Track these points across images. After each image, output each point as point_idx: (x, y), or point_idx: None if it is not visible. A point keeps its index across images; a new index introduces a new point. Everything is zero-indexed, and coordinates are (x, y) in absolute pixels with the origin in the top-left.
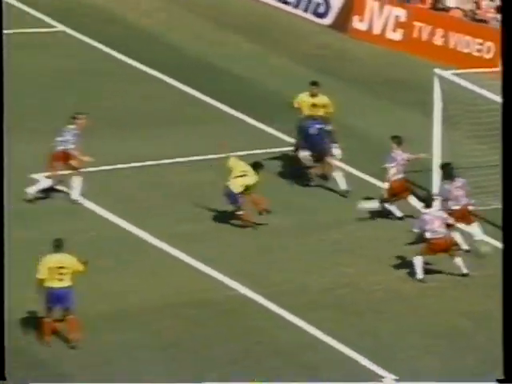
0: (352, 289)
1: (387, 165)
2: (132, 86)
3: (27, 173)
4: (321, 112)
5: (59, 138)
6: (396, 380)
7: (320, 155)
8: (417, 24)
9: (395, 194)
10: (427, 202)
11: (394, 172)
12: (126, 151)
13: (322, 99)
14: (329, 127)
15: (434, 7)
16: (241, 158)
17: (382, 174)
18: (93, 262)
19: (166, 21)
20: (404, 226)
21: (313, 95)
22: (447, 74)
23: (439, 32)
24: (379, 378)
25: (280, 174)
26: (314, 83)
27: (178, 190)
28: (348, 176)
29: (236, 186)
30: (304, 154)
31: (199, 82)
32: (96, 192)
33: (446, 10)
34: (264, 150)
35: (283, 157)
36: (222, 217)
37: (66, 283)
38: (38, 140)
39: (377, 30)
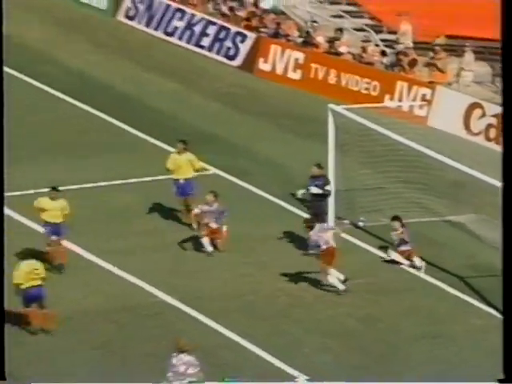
0: (259, 296)
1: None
2: (69, 121)
3: None
4: (188, 168)
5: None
6: (308, 380)
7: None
8: (313, 65)
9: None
10: (309, 222)
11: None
12: (59, 176)
13: (188, 156)
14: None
15: (328, 51)
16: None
17: (285, 197)
18: None
19: (97, 63)
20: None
21: (180, 152)
22: (340, 108)
23: (333, 72)
24: (281, 371)
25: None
26: (182, 141)
27: (107, 210)
28: (258, 198)
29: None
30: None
31: (128, 117)
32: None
33: (339, 54)
34: None
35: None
36: (146, 234)
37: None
38: None
39: (279, 71)
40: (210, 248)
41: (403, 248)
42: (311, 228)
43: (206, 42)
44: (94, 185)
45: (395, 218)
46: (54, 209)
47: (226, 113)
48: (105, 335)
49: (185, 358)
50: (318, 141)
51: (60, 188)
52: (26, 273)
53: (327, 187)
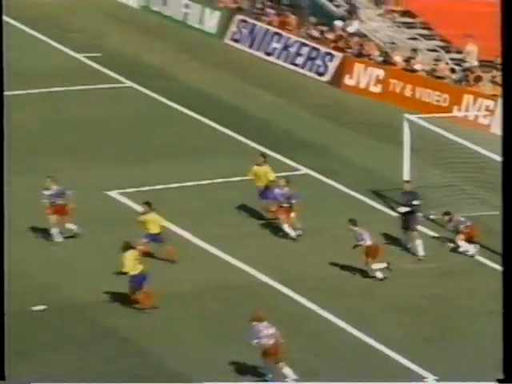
0: (342, 278)
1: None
2: (182, 128)
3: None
4: (264, 178)
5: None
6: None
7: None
8: (392, 81)
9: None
10: (352, 221)
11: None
12: (170, 175)
13: (265, 168)
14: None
15: (405, 69)
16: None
17: (368, 193)
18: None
19: (208, 79)
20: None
21: (258, 164)
22: (414, 117)
23: (409, 86)
24: (360, 340)
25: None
26: (262, 155)
27: (214, 203)
28: (344, 194)
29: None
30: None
31: (233, 124)
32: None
33: (414, 70)
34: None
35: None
36: (248, 223)
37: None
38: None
39: (362, 85)
40: (293, 233)
41: (461, 227)
42: (355, 225)
43: (299, 60)
44: (205, 182)
45: (445, 213)
46: (149, 222)
47: (317, 121)
48: (211, 311)
49: (264, 324)
50: (395, 146)
51: (174, 185)
52: (131, 261)
53: (415, 202)
